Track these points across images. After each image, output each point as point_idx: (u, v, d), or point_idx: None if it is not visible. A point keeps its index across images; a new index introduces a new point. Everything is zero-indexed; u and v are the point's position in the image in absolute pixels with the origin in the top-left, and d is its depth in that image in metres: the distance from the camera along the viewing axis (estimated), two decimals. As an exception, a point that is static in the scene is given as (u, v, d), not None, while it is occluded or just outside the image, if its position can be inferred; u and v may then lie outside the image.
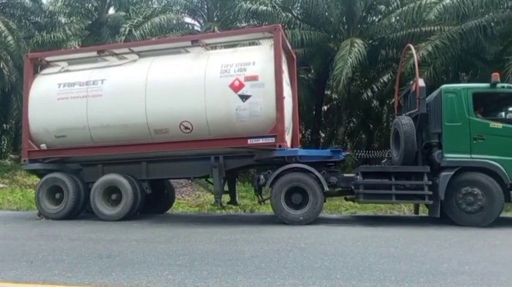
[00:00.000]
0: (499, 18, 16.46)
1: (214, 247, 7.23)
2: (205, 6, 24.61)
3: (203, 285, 4.97)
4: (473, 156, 9.43)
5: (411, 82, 11.29)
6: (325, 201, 10.61)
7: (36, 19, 22.18)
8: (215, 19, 23.46)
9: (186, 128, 10.38)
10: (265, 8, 20.09)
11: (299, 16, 21.92)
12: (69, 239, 8.14)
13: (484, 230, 8.78)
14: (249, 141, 10.06)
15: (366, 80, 24.91)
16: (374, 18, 22.06)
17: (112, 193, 10.99)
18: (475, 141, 9.44)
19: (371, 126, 27.36)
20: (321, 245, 7.32)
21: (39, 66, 12.38)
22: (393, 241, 7.68)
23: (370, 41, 20.39)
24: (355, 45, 17.90)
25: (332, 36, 21.26)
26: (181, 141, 10.46)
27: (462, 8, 15.95)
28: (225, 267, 5.73)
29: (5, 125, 22.60)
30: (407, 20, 18.55)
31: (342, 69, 17.33)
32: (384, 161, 11.95)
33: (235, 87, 10.05)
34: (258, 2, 20.10)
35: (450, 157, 9.50)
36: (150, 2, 25.52)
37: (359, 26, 20.96)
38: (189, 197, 17.07)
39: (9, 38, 18.62)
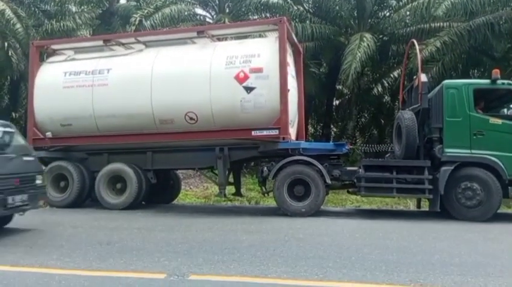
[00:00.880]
0: (507, 16, 16.30)
1: (213, 236, 7.33)
2: (217, -2, 24.60)
3: (197, 271, 5.09)
4: (473, 151, 9.41)
5: (414, 77, 11.26)
6: (327, 194, 10.67)
7: (46, 7, 21.91)
8: (226, 11, 23.37)
9: (191, 119, 10.45)
10: (276, 0, 20.03)
11: (310, 9, 21.79)
12: (71, 226, 8.28)
13: (481, 225, 8.81)
14: (253, 133, 10.12)
15: (377, 75, 24.75)
16: (385, 13, 21.92)
17: (117, 182, 11.10)
18: (475, 137, 9.42)
19: (382, 121, 27.16)
20: (318, 236, 7.39)
21: (45, 55, 12.50)
22: (390, 233, 7.73)
23: (381, 36, 20.26)
24: (365, 39, 17.79)
25: (343, 30, 21.15)
26: (187, 132, 10.52)
27: (470, 5, 15.83)
28: (221, 255, 5.84)
29: (14, 114, 22.55)
30: (416, 16, 18.38)
31: (351, 63, 17.25)
32: (387, 155, 11.95)
33: (240, 79, 10.09)
34: (269, -6, 20.04)
35: (450, 151, 9.49)
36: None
37: (369, 20, 20.82)
38: (196, 189, 17.14)
39: (18, 25, 18.20)
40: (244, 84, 10.05)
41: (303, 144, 10.62)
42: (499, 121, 9.52)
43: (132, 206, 10.89)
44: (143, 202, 11.69)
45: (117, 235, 7.41)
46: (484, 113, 9.72)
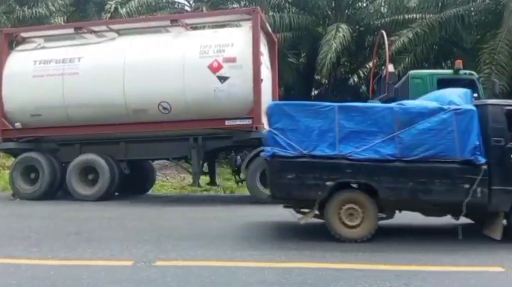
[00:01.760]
0: (476, 8, 16.81)
1: (183, 224, 7.33)
2: (196, -14, 24.29)
3: (164, 257, 5.09)
4: None
5: (383, 67, 11.41)
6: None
7: (17, -7, 21.49)
8: (205, -1, 23.23)
9: (165, 108, 10.35)
10: (255, -11, 19.90)
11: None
12: (40, 218, 8.16)
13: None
14: (226, 122, 10.10)
15: (354, 66, 24.90)
16: (361, 3, 22.03)
17: (89, 173, 10.87)
18: None
19: (359, 111, 27.44)
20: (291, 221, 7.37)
21: (14, 43, 12.20)
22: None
23: (357, 27, 20.39)
24: (341, 30, 17.87)
25: (321, 21, 21.18)
26: (160, 121, 10.43)
27: (441, -3, 16.29)
28: (190, 241, 5.84)
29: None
30: (391, 7, 18.65)
31: (327, 53, 17.33)
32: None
33: (214, 69, 10.03)
34: (249, -17, 19.90)
35: None
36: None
37: (346, 11, 20.88)
38: (173, 180, 17.02)
39: (-13, 12, 17.93)
40: (218, 73, 10.01)
41: (276, 133, 10.60)
42: None
43: (105, 197, 10.68)
44: (116, 193, 11.52)
45: (87, 225, 7.33)
46: None
